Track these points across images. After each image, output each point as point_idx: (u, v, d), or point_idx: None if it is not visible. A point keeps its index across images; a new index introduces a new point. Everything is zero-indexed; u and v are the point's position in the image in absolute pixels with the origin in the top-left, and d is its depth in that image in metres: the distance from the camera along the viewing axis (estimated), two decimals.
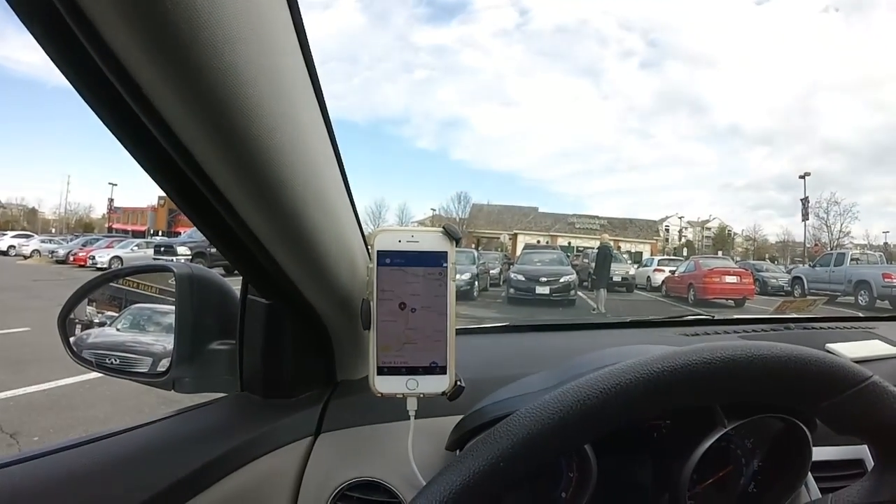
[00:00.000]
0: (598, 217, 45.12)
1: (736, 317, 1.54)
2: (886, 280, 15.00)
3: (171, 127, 0.42)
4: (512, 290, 14.43)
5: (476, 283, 14.90)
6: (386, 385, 0.58)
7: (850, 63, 61.99)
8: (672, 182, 76.08)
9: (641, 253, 37.56)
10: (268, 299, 0.73)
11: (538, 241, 36.22)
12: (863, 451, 0.80)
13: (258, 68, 0.40)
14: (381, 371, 0.58)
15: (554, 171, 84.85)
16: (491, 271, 18.54)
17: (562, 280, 14.01)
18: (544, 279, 13.95)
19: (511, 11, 71.45)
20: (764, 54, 67.99)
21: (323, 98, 0.53)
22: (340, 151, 0.60)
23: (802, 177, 34.06)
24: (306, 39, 0.47)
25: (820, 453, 0.74)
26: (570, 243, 37.61)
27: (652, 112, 73.17)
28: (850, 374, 0.48)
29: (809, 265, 20.92)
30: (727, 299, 15.61)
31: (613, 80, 72.02)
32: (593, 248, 17.44)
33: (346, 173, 0.64)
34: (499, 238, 42.37)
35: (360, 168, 68.24)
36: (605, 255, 13.13)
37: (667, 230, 53.07)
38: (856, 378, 0.47)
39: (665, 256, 28.84)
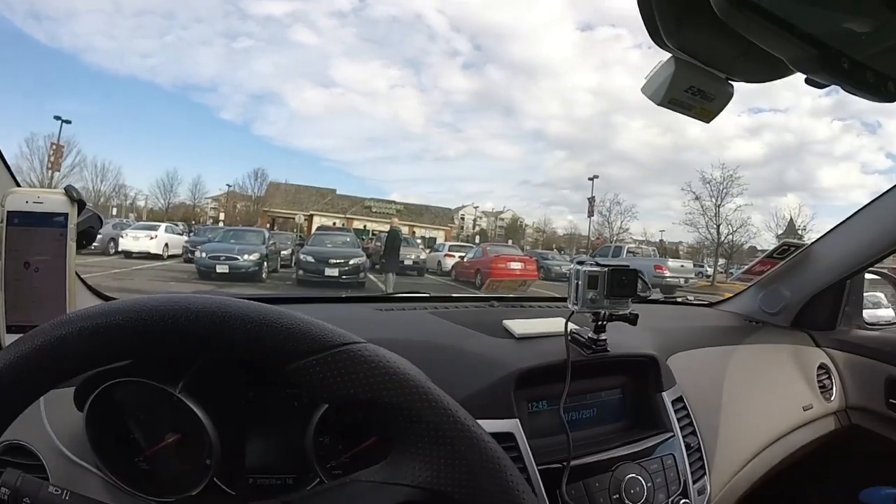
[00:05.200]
0: (394, 202, 45.84)
1: (452, 295, 1.60)
2: (657, 270, 18.08)
3: None
4: (301, 272, 14.09)
5: (265, 263, 14.26)
6: None
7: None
8: (475, 174, 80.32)
9: (435, 238, 39.32)
10: None
11: (333, 224, 35.68)
12: (514, 426, 0.84)
13: None
14: (10, 330, 0.59)
15: (359, 154, 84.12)
16: (282, 252, 17.95)
17: (351, 262, 14.08)
18: (333, 261, 13.90)
19: None
20: (578, 72, 75.11)
21: None
22: None
23: (591, 179, 38.18)
24: None
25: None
26: (365, 227, 37.76)
27: (466, 109, 76.03)
28: (319, 339, 0.46)
29: (591, 255, 24.05)
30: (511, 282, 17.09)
31: (435, 75, 73.19)
32: (387, 232, 17.90)
33: None
34: (294, 218, 41.07)
35: (156, 136, 60.60)
36: (393, 239, 13.57)
37: (462, 218, 56.22)
38: (326, 343, 0.46)
39: (456, 243, 30.60)
